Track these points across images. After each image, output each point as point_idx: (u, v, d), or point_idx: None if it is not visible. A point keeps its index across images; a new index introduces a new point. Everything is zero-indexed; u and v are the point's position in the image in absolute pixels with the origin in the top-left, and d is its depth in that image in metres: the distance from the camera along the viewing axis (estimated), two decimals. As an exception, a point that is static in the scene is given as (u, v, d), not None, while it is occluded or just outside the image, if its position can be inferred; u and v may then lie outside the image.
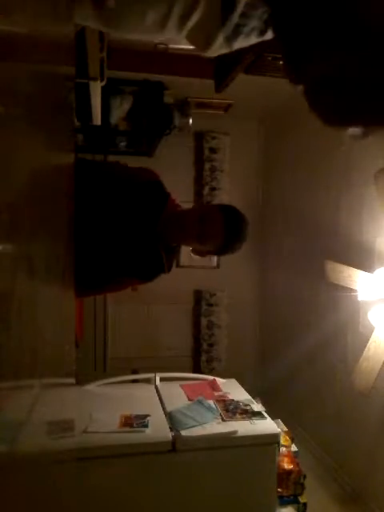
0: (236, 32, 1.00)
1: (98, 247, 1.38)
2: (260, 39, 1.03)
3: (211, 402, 2.66)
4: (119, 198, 1.41)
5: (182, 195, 5.18)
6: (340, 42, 0.47)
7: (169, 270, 1.52)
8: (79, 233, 1.03)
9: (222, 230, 1.40)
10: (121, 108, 3.65)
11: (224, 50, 1.07)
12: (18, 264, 0.53)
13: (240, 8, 0.96)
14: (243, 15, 0.98)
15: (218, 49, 1.06)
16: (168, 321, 4.77)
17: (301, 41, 0.50)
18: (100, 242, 1.39)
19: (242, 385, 3.04)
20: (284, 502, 2.69)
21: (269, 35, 1.00)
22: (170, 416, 2.47)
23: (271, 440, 2.44)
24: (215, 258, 4.70)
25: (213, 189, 4.70)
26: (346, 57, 0.47)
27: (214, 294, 4.76)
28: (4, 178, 0.45)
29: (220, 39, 1.02)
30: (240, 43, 1.04)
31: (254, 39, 1.03)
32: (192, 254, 1.49)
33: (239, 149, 4.78)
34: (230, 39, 1.02)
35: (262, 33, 1.00)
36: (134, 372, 4.13)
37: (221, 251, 1.51)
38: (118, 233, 1.41)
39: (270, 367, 4.48)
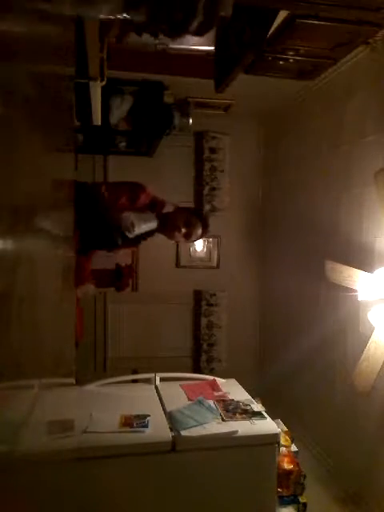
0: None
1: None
2: None
3: (211, 402, 2.66)
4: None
5: (182, 195, 5.21)
6: None
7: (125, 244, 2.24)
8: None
9: (203, 229, 2.25)
10: (121, 108, 3.64)
11: None
12: (18, 265, 0.53)
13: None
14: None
15: None
16: (168, 321, 4.77)
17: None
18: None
19: (242, 385, 3.04)
20: (284, 502, 2.69)
21: None
22: (170, 416, 2.47)
23: (271, 440, 2.43)
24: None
25: (213, 189, 4.69)
26: None
27: (214, 294, 4.76)
28: (5, 177, 0.45)
29: None
30: None
31: None
32: (174, 241, 2.36)
33: (239, 149, 4.77)
34: None
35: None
36: (134, 372, 4.13)
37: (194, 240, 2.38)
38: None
39: (269, 367, 4.48)
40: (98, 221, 2.11)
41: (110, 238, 2.17)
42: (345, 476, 3.22)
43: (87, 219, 2.03)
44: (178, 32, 1.43)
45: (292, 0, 1.37)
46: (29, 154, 0.59)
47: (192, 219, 2.21)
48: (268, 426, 2.50)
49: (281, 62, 1.78)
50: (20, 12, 0.48)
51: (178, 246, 4.69)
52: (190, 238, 2.25)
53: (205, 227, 2.26)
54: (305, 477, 2.79)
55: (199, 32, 1.59)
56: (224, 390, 2.90)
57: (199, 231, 2.24)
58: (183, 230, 2.20)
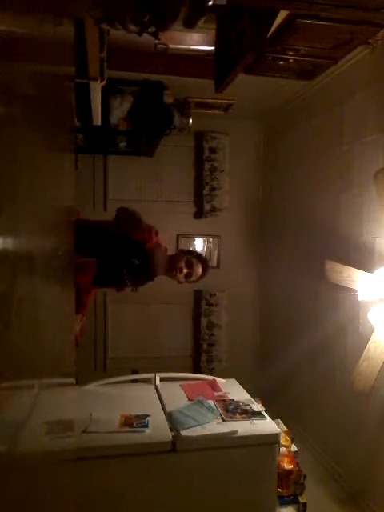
0: None
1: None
2: None
3: (211, 402, 2.66)
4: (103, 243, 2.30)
5: (182, 195, 5.19)
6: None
7: (132, 285, 2.44)
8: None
9: (203, 271, 2.41)
10: (121, 108, 3.65)
11: None
12: (18, 265, 0.53)
13: None
14: None
15: None
16: (168, 321, 4.77)
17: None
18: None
19: (242, 385, 3.04)
20: (284, 501, 2.69)
21: None
22: (170, 416, 2.47)
23: (271, 440, 2.44)
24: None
25: (213, 189, 4.69)
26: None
27: (214, 294, 4.75)
28: (5, 179, 0.45)
29: None
30: None
31: None
32: (177, 281, 2.39)
33: (239, 149, 4.77)
34: None
35: None
36: (134, 372, 4.13)
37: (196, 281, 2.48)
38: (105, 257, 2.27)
39: (270, 367, 4.48)
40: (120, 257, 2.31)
41: (119, 275, 2.35)
42: (345, 476, 3.23)
43: (108, 255, 2.25)
44: (164, 21, 1.41)
45: (292, 0, 1.36)
46: (28, 154, 0.59)
47: (192, 260, 2.37)
48: (268, 425, 2.50)
49: (281, 62, 1.78)
50: (20, 12, 0.48)
51: (177, 246, 4.69)
52: (190, 277, 2.38)
53: (204, 267, 2.42)
54: (305, 477, 2.78)
55: (190, 21, 1.57)
56: (224, 390, 2.90)
57: (199, 271, 2.39)
58: (185, 271, 2.36)
